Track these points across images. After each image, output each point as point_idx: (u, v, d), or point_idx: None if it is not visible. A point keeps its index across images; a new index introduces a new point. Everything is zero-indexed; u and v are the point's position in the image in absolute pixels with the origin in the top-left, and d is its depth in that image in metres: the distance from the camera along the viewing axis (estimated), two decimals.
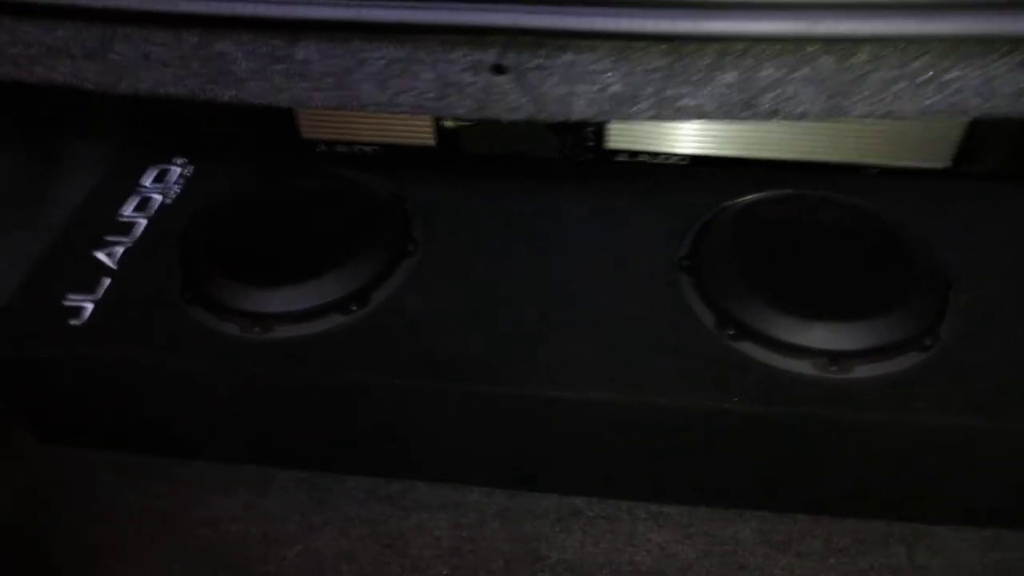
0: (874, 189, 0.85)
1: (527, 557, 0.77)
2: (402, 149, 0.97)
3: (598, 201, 0.87)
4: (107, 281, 0.83)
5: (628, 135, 0.92)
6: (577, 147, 0.93)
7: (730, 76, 0.51)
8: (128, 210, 0.91)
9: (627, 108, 0.53)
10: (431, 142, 1.01)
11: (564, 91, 0.53)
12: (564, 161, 0.92)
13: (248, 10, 0.51)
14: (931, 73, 0.51)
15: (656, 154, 0.92)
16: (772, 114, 0.53)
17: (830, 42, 0.49)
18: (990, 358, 0.71)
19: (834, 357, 0.70)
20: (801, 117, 0.53)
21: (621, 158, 0.93)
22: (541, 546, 0.78)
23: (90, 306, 0.81)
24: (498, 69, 0.52)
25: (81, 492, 0.84)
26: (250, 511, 0.82)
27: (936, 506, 0.76)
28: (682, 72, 0.51)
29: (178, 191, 0.93)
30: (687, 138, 0.92)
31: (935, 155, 0.93)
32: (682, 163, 0.91)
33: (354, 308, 0.78)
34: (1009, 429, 0.68)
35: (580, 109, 0.54)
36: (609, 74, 0.52)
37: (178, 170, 0.95)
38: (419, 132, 1.01)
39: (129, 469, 0.86)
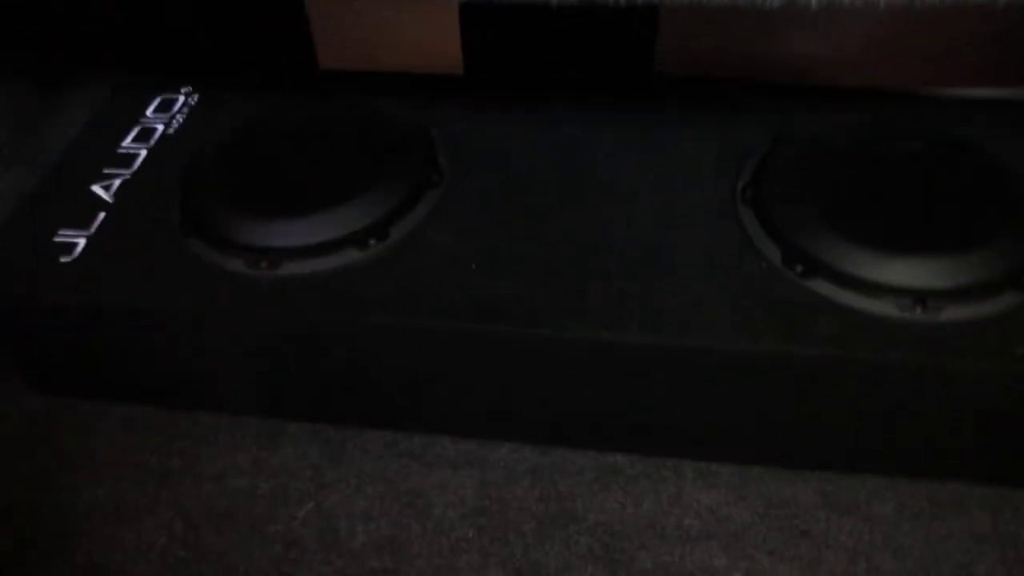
0: (957, 118, 0.77)
1: (561, 518, 0.70)
2: (428, 78, 0.89)
3: (645, 128, 0.79)
4: (102, 215, 0.76)
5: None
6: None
7: None
8: (128, 141, 0.84)
9: None
10: (459, 71, 0.94)
11: None
12: (605, 84, 0.84)
13: None
14: None
15: (708, 80, 0.84)
16: None
17: None
18: None
19: (920, 297, 0.62)
20: None
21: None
22: (577, 506, 0.71)
23: (82, 242, 0.74)
24: None
25: (75, 445, 0.78)
26: (258, 466, 0.76)
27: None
28: None
29: (182, 122, 0.85)
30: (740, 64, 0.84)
31: (1018, 82, 0.84)
32: (736, 87, 0.82)
33: (372, 242, 0.70)
34: None
35: None
36: None
37: (183, 99, 0.88)
38: (446, 60, 0.93)
39: (128, 420, 0.79)
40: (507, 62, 0.94)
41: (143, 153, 0.82)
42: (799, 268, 0.65)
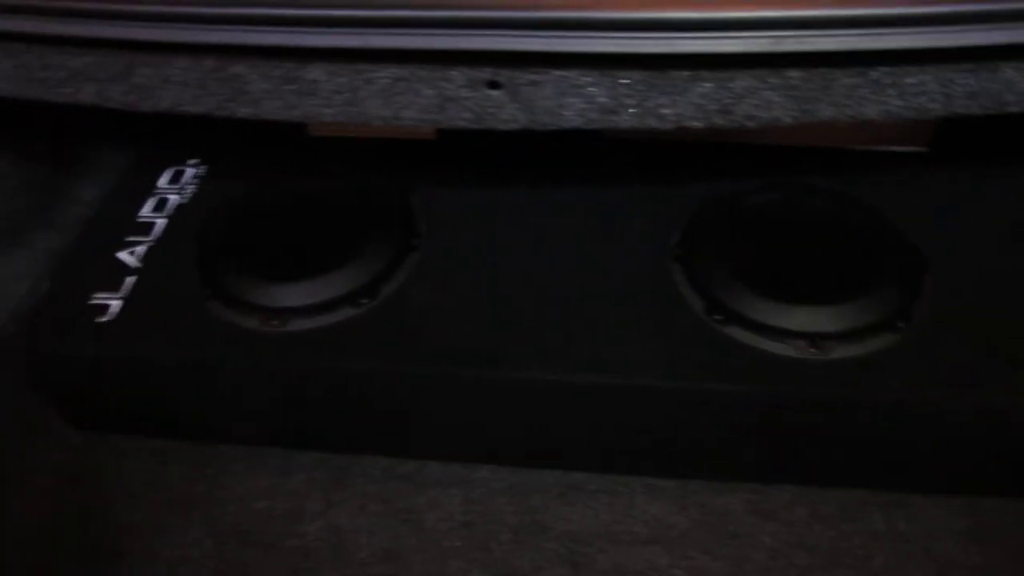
0: (854, 174, 0.89)
1: (533, 528, 0.83)
2: (405, 143, 1.01)
3: (595, 189, 0.91)
4: (130, 279, 0.88)
5: None
6: None
7: (706, 87, 0.55)
8: (147, 210, 0.96)
9: (613, 117, 0.58)
10: (432, 136, 1.06)
11: (555, 103, 0.57)
12: (560, 147, 0.96)
13: (261, 39, 0.55)
14: (892, 80, 0.55)
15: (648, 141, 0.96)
16: (747, 119, 0.57)
17: (796, 56, 0.53)
18: (959, 338, 0.75)
19: (813, 339, 0.75)
20: (774, 123, 0.58)
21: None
22: (546, 518, 0.83)
23: (116, 304, 0.86)
24: (493, 85, 0.57)
25: (116, 474, 0.90)
26: (274, 490, 0.88)
27: (912, 476, 0.81)
28: (661, 84, 0.55)
29: (193, 190, 0.97)
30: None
31: (914, 138, 0.97)
32: (674, 148, 0.95)
33: (364, 301, 0.83)
34: (975, 405, 0.73)
35: (569, 119, 0.58)
36: (595, 88, 0.56)
37: (192, 170, 1.00)
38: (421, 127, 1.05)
39: (161, 453, 0.91)
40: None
41: (161, 221, 0.94)
42: (718, 317, 0.78)
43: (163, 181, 0.99)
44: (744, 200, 0.86)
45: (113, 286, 0.87)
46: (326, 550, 0.83)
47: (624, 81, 0.55)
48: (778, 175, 0.89)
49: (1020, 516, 0.80)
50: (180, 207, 0.96)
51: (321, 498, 0.87)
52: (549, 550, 0.81)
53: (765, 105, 0.56)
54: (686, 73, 0.54)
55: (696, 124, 0.58)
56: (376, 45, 0.54)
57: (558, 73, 0.55)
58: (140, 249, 0.91)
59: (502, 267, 0.85)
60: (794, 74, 0.54)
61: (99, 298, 0.86)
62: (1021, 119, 0.89)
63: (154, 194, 0.97)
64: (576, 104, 0.57)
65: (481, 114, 0.59)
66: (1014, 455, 0.76)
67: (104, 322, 0.84)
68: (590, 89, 0.56)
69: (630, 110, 0.57)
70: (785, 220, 0.84)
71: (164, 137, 1.03)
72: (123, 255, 0.91)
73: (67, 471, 0.91)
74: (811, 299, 0.76)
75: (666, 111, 0.57)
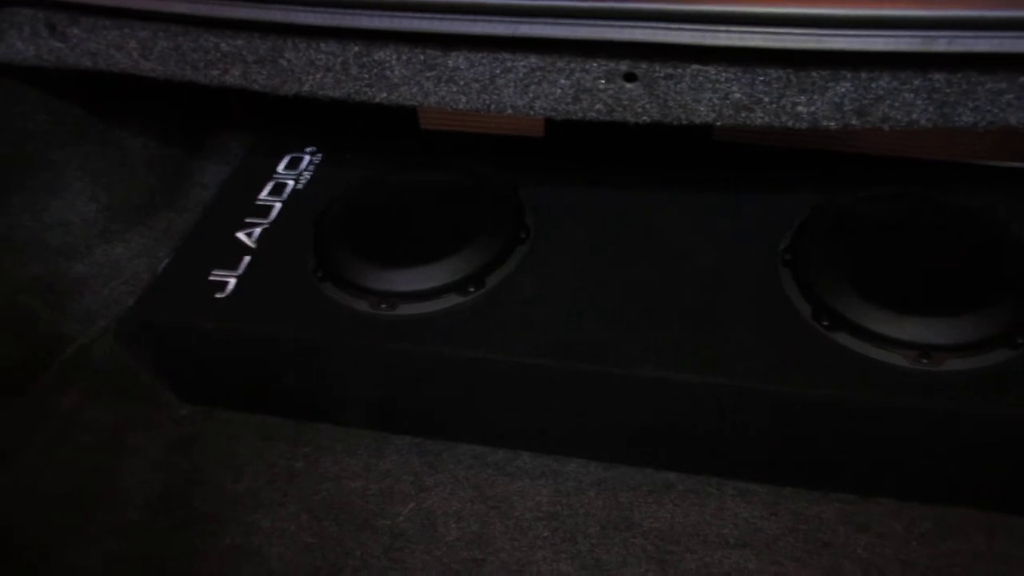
0: (976, 188, 0.88)
1: (621, 523, 0.84)
2: (514, 139, 1.03)
3: (704, 191, 0.92)
4: (247, 259, 0.92)
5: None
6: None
7: (846, 86, 0.56)
8: (264, 194, 1.00)
9: (746, 114, 0.59)
10: (540, 133, 1.08)
11: (689, 98, 0.58)
12: (670, 150, 0.97)
13: (408, 25, 0.58)
14: None
15: (758, 145, 0.97)
16: (883, 121, 0.57)
17: (945, 57, 0.53)
18: None
19: (925, 350, 0.74)
20: (910, 125, 0.58)
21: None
22: (634, 514, 0.84)
23: (233, 281, 0.90)
24: (629, 77, 0.58)
25: (221, 447, 0.94)
26: (369, 471, 0.90)
27: (1018, 497, 0.79)
28: (800, 82, 0.56)
29: (309, 177, 1.01)
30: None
31: None
32: (784, 154, 0.95)
33: (471, 289, 0.85)
34: None
35: (702, 114, 0.59)
36: (732, 83, 0.57)
37: (308, 158, 1.04)
38: (529, 123, 1.07)
39: (263, 429, 0.95)
40: (582, 124, 1.07)
41: (278, 205, 0.98)
42: (825, 322, 0.78)
43: (281, 167, 1.03)
44: (857, 207, 0.85)
45: (231, 264, 0.91)
46: (416, 531, 0.85)
47: (762, 78, 0.56)
48: (893, 185, 0.88)
49: None
50: (296, 192, 0.99)
51: (413, 481, 0.89)
52: (636, 546, 0.82)
53: (904, 107, 0.56)
54: (827, 71, 0.55)
55: (831, 124, 0.58)
56: (522, 33, 0.55)
57: (696, 67, 0.56)
58: (258, 231, 0.95)
59: (609, 263, 0.86)
60: (938, 76, 0.54)
61: (217, 275, 0.90)
62: None
63: (272, 179, 1.01)
64: (711, 99, 0.58)
65: (614, 106, 0.60)
66: None
67: (221, 298, 0.88)
68: (727, 85, 0.57)
69: (765, 107, 0.58)
70: (899, 229, 0.83)
71: (283, 125, 1.07)
72: (241, 236, 0.95)
73: (173, 440, 0.95)
74: (925, 309, 0.75)
75: (802, 109, 0.57)
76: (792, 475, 0.84)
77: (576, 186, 0.95)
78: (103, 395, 1.00)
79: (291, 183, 1.01)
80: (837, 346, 0.77)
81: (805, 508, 0.83)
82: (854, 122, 0.57)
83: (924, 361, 0.74)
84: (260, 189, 1.00)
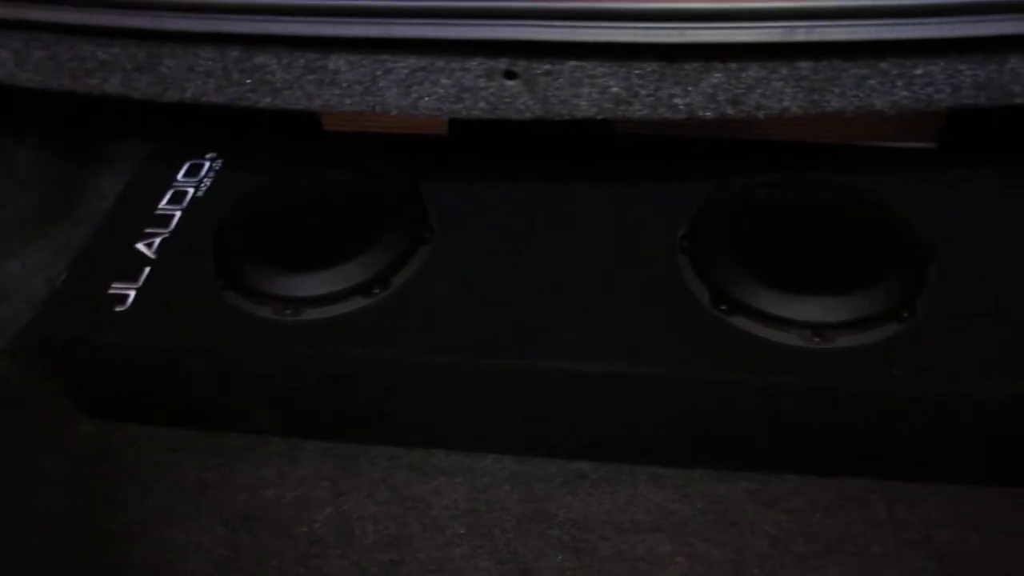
0: (865, 169, 0.91)
1: (537, 516, 0.84)
2: (417, 138, 1.03)
3: (605, 183, 0.93)
4: (147, 270, 0.90)
5: None
6: None
7: (718, 77, 0.57)
8: (164, 203, 0.97)
9: (625, 107, 0.60)
10: (444, 131, 1.08)
11: (569, 93, 0.59)
12: (570, 142, 0.98)
13: (286, 28, 0.57)
14: (900, 71, 0.57)
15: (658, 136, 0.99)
16: (757, 109, 0.59)
17: (807, 46, 0.55)
18: (963, 329, 0.77)
19: (818, 329, 0.77)
20: (783, 112, 0.60)
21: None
22: (550, 506, 0.85)
23: (133, 293, 0.88)
24: (509, 75, 0.59)
25: (128, 462, 0.92)
26: (283, 478, 0.89)
27: (914, 465, 0.82)
28: (674, 75, 0.57)
29: (209, 184, 0.99)
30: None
31: (921, 134, 0.99)
32: (683, 144, 0.97)
33: (376, 291, 0.84)
34: (977, 395, 0.74)
35: (583, 109, 0.60)
36: (609, 78, 0.58)
37: (208, 164, 1.02)
38: (432, 122, 1.07)
39: (172, 442, 0.93)
40: (484, 121, 1.08)
41: (178, 214, 0.96)
42: (723, 306, 0.80)
43: (180, 174, 1.01)
44: (750, 193, 0.87)
45: (131, 276, 0.89)
46: (333, 536, 0.84)
47: (638, 71, 0.57)
48: (785, 170, 0.90)
49: (1021, 505, 0.81)
50: (197, 200, 0.97)
51: (329, 486, 0.88)
52: (552, 537, 0.83)
53: (775, 95, 0.58)
54: (698, 63, 0.56)
55: (707, 114, 0.60)
56: (397, 35, 0.55)
57: (573, 63, 0.57)
58: (157, 241, 0.93)
59: (512, 259, 0.87)
60: (804, 64, 0.56)
61: (117, 287, 0.88)
62: None
63: (172, 187, 0.99)
64: (590, 94, 0.59)
65: (497, 104, 0.61)
66: (1017, 445, 0.78)
67: (121, 311, 0.86)
68: (604, 79, 0.58)
69: (643, 100, 0.59)
70: (790, 213, 0.86)
71: (182, 131, 1.05)
72: (140, 246, 0.92)
73: (79, 458, 0.93)
74: (816, 289, 0.78)
75: (678, 101, 0.59)
76: (701, 457, 0.86)
77: (479, 183, 0.96)
78: (3, 416, 0.97)
79: (191, 190, 0.99)
80: (735, 330, 0.79)
81: (714, 489, 0.85)
82: (729, 111, 0.59)
83: (817, 340, 0.77)
84: (159, 198, 0.98)
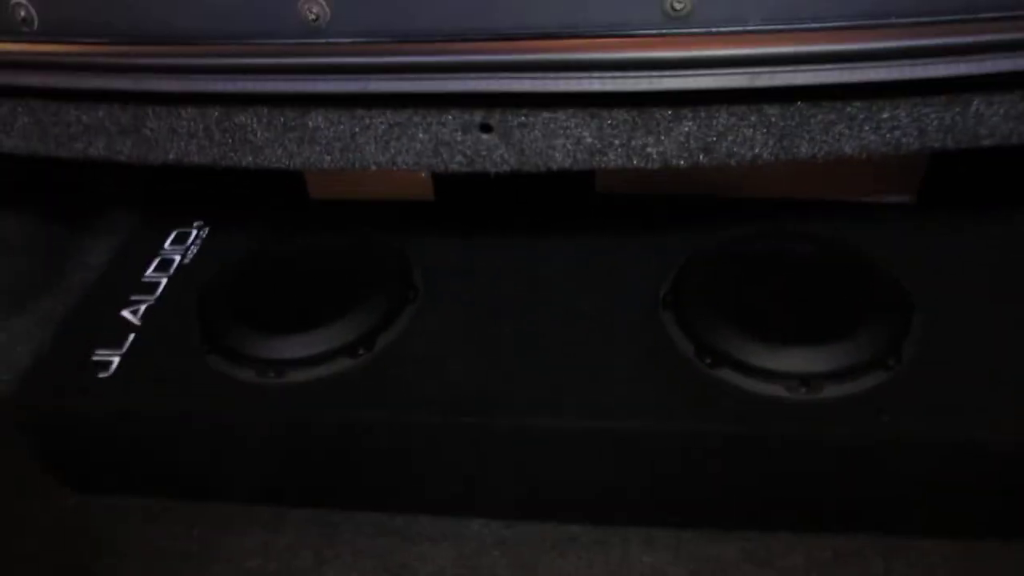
0: (842, 223, 0.92)
1: None
2: (404, 203, 1.05)
3: (587, 242, 0.94)
4: (132, 336, 0.89)
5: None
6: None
7: (688, 125, 0.58)
8: (150, 271, 0.98)
9: (599, 158, 0.60)
10: (430, 196, 1.09)
11: (543, 145, 0.60)
12: (554, 202, 0.99)
13: (265, 87, 0.58)
14: (866, 114, 0.58)
15: (640, 195, 1.00)
16: (728, 156, 0.60)
17: (773, 91, 0.56)
18: (949, 376, 0.77)
19: (804, 379, 0.76)
20: (755, 160, 0.60)
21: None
22: (539, 570, 0.83)
23: (117, 360, 0.87)
24: (485, 128, 0.60)
25: (108, 534, 0.89)
26: (266, 548, 0.87)
27: (909, 519, 0.81)
28: (645, 124, 0.58)
29: (196, 252, 1.00)
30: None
31: (901, 189, 1.01)
32: (663, 202, 0.99)
33: (361, 352, 0.84)
34: (968, 441, 0.73)
35: (558, 160, 0.61)
36: (582, 128, 0.59)
37: (195, 232, 1.03)
38: (418, 188, 1.09)
39: (150, 512, 0.91)
40: (471, 186, 1.09)
41: (164, 281, 0.96)
42: (708, 360, 0.79)
43: (167, 243, 1.02)
44: (732, 248, 0.88)
45: (115, 343, 0.89)
46: None
47: (610, 121, 0.58)
48: (767, 226, 0.91)
49: (1017, 559, 0.79)
50: (183, 267, 0.98)
51: (312, 555, 0.86)
52: None
53: (746, 142, 0.59)
54: (669, 111, 0.57)
55: (680, 163, 0.60)
56: (373, 90, 0.57)
57: (547, 114, 0.58)
58: (143, 308, 0.93)
59: (498, 318, 0.87)
60: (772, 111, 0.57)
61: (101, 355, 0.88)
62: (1002, 170, 0.94)
63: (159, 255, 1.00)
64: (564, 145, 0.60)
65: (474, 157, 0.61)
66: (1009, 492, 0.76)
67: (104, 377, 0.85)
68: (578, 130, 0.59)
69: (616, 150, 0.60)
70: (773, 266, 0.86)
71: (170, 201, 1.06)
72: (126, 313, 0.92)
73: (58, 532, 0.91)
74: (800, 340, 0.78)
75: (651, 150, 0.60)
76: (693, 516, 0.84)
77: (464, 244, 0.96)
78: None
79: (177, 258, 0.99)
80: (720, 382, 0.78)
81: (707, 550, 0.83)
82: (702, 159, 0.60)
83: (803, 390, 0.76)
84: (146, 266, 0.98)
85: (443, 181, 1.08)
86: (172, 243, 1.02)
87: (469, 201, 1.05)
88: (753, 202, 0.99)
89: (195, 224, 1.04)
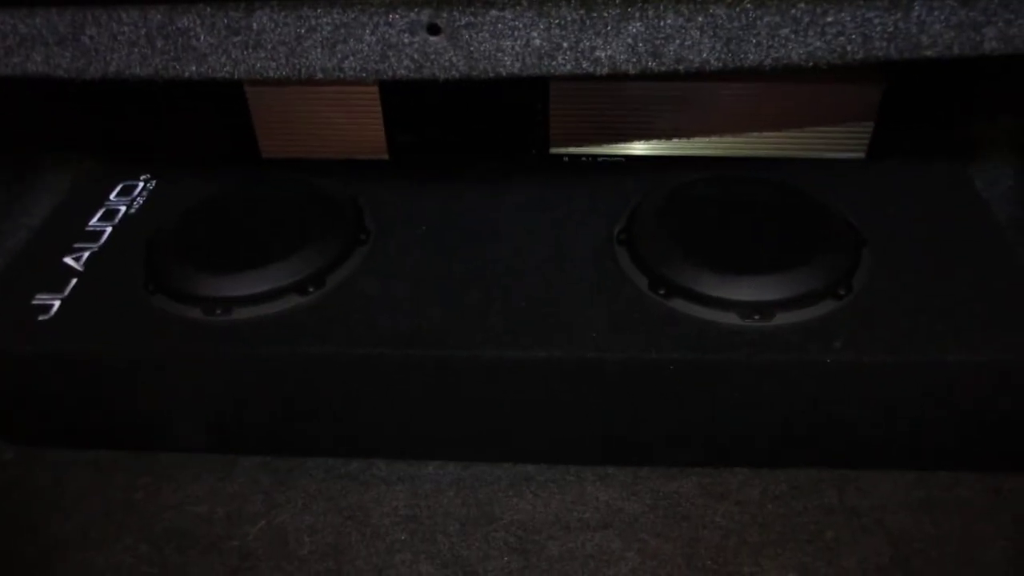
0: (793, 172, 0.93)
1: (481, 519, 0.81)
2: (357, 162, 1.04)
3: (540, 192, 0.94)
4: (74, 281, 0.87)
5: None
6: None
7: (636, 26, 0.58)
8: (95, 220, 0.95)
9: (548, 62, 0.60)
10: (384, 156, 1.08)
11: (492, 47, 0.60)
12: (508, 160, 0.99)
13: None
14: (811, 18, 0.59)
15: (595, 156, 1.00)
16: (677, 62, 0.60)
17: None
18: (897, 305, 0.78)
19: (756, 307, 0.76)
20: (704, 66, 0.61)
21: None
22: (494, 509, 0.82)
23: (57, 303, 0.85)
24: (432, 29, 0.59)
25: (51, 487, 0.86)
26: (215, 494, 0.85)
27: (863, 451, 0.81)
28: (593, 25, 0.58)
29: (142, 203, 0.98)
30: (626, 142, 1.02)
31: (851, 148, 1.03)
32: (619, 159, 0.99)
33: (311, 289, 0.83)
34: (916, 364, 0.74)
35: (507, 64, 0.60)
36: (531, 29, 0.59)
37: (142, 184, 1.01)
38: (373, 148, 1.08)
39: (94, 464, 0.88)
40: (424, 145, 1.09)
41: (108, 230, 0.94)
42: (662, 291, 0.79)
43: (113, 194, 0.99)
44: (687, 190, 0.88)
45: (56, 287, 0.86)
46: (266, 549, 0.80)
47: (558, 21, 0.58)
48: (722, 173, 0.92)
49: (971, 487, 0.80)
50: (129, 217, 0.96)
51: (263, 500, 0.84)
52: (498, 539, 0.80)
53: (694, 46, 0.59)
54: (616, 11, 0.57)
55: (629, 68, 0.60)
56: None
57: (495, 13, 0.58)
58: (86, 255, 0.91)
59: (450, 258, 0.86)
60: (719, 12, 0.57)
61: (41, 299, 0.85)
62: (945, 132, 0.96)
63: (104, 205, 0.97)
64: (513, 47, 0.60)
65: (422, 62, 0.61)
66: (959, 419, 0.77)
67: (44, 320, 0.83)
68: (526, 30, 0.59)
69: (565, 53, 0.59)
70: (726, 206, 0.87)
71: (116, 154, 1.04)
72: (69, 260, 0.90)
73: None
74: (753, 269, 0.78)
75: (600, 53, 0.60)
76: (648, 453, 0.84)
77: (418, 194, 0.96)
78: None
79: (123, 208, 0.97)
80: (674, 312, 0.78)
81: (663, 485, 0.83)
82: (651, 64, 0.60)
83: (756, 317, 0.76)
84: (90, 215, 0.96)
85: (397, 144, 1.08)
86: (118, 194, 0.99)
87: (423, 160, 1.04)
88: (707, 159, 1.00)
89: (142, 177, 1.02)
